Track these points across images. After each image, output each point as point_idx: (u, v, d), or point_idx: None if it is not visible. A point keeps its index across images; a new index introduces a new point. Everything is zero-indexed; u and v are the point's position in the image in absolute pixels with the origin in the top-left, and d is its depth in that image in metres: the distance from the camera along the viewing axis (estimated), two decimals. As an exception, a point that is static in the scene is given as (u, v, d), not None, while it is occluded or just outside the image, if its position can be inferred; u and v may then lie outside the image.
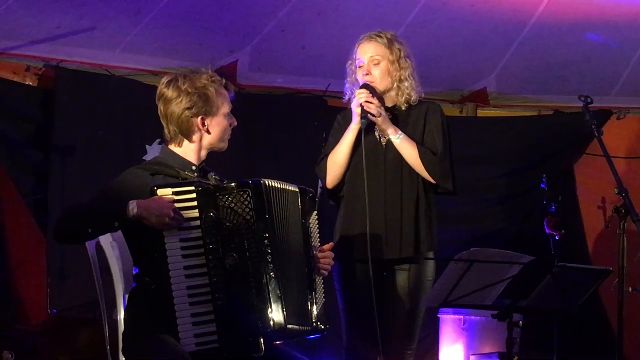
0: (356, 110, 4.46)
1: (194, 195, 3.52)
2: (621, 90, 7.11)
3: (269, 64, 6.97)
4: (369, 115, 4.43)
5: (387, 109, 4.54)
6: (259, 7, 6.46)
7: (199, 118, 3.74)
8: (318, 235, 3.84)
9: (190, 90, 3.72)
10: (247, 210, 3.54)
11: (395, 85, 4.55)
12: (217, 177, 3.83)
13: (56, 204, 6.21)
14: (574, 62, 6.96)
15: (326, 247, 3.89)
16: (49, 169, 6.30)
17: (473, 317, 6.03)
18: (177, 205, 3.49)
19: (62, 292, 6.20)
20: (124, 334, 3.74)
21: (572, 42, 6.82)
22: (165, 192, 3.51)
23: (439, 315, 6.23)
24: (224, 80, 3.81)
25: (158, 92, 3.79)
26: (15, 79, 6.36)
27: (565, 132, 7.22)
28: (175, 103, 3.73)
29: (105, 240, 3.94)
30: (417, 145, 4.50)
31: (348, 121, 4.57)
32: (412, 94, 4.55)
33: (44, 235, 6.21)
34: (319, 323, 3.69)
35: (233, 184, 3.58)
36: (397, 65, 4.55)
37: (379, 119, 4.46)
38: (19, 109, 6.34)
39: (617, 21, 6.53)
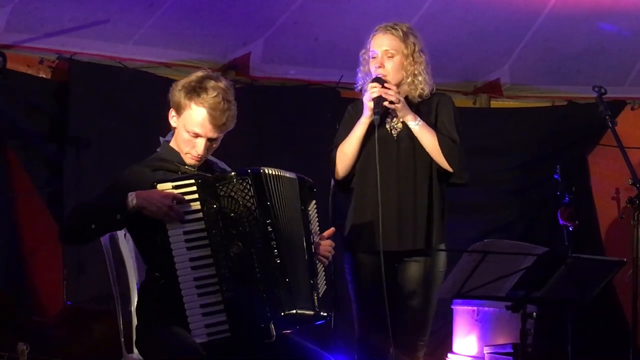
0: (368, 104, 4.44)
1: (194, 188, 3.55)
2: (635, 80, 7.09)
3: (282, 55, 6.97)
4: (387, 102, 4.41)
5: None
6: (271, -1, 6.48)
7: (171, 109, 3.79)
8: (317, 223, 3.85)
9: (183, 84, 3.75)
10: (248, 197, 3.56)
11: (409, 80, 4.53)
12: (218, 170, 3.85)
13: (71, 196, 6.23)
14: (587, 52, 6.94)
15: (326, 233, 3.89)
16: (63, 160, 6.32)
17: (486, 308, 6.03)
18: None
19: (78, 284, 6.23)
20: (137, 327, 3.76)
21: (585, 32, 6.80)
22: (165, 187, 3.54)
23: (452, 307, 6.23)
24: (208, 103, 3.69)
25: None
26: (29, 72, 6.38)
27: (578, 122, 7.20)
28: None
29: (119, 233, 3.95)
30: (436, 132, 4.49)
31: (359, 112, 4.56)
32: (425, 87, 4.54)
33: (58, 227, 6.23)
34: (321, 309, 3.70)
35: (232, 173, 3.61)
36: (411, 59, 4.53)
37: (398, 105, 4.44)
38: (33, 101, 6.36)
39: (630, 10, 6.51)
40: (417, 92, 4.53)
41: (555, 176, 6.37)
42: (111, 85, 6.53)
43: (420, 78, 4.53)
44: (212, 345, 3.47)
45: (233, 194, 3.56)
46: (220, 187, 3.56)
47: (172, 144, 3.84)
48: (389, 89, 4.42)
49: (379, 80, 4.45)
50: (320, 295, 3.72)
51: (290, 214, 3.68)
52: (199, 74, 3.77)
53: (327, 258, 3.85)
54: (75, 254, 6.19)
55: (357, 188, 4.57)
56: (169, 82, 3.87)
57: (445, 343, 6.49)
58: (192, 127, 3.71)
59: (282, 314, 3.53)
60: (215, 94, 3.69)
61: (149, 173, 3.71)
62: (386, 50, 4.51)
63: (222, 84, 3.74)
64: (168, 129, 6.30)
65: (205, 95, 3.69)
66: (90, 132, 6.40)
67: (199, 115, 3.70)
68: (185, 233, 3.51)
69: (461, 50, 6.94)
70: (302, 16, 6.60)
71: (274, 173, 3.65)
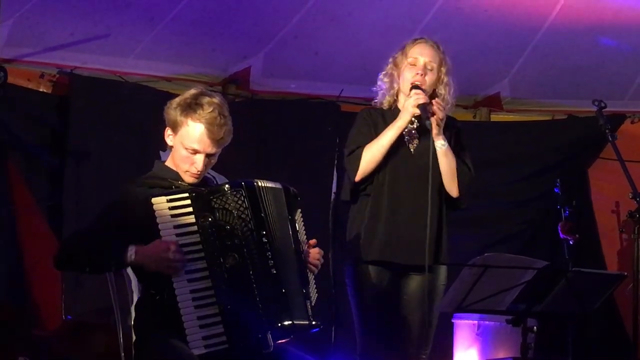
0: (411, 109, 4.39)
1: (188, 202, 3.56)
2: (635, 94, 7.10)
3: (282, 69, 6.98)
4: (431, 116, 4.38)
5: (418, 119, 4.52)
6: (272, 13, 6.47)
7: (167, 128, 3.78)
8: (304, 231, 3.85)
9: (178, 102, 3.76)
10: (242, 209, 3.58)
11: (439, 98, 4.52)
12: (212, 176, 3.87)
13: (70, 209, 6.23)
14: (587, 66, 6.95)
15: (311, 242, 3.88)
16: (64, 174, 6.32)
17: (487, 322, 6.02)
18: (173, 212, 3.54)
19: (77, 297, 6.21)
20: (134, 342, 3.76)
21: (585, 47, 6.81)
22: (160, 201, 3.54)
23: (453, 320, 6.22)
24: (205, 118, 3.69)
25: None
26: (30, 86, 6.38)
27: (578, 136, 7.20)
28: None
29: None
30: (456, 158, 4.50)
31: (376, 119, 4.53)
32: (448, 111, 4.53)
33: (58, 241, 6.23)
34: (314, 318, 3.70)
35: (226, 186, 3.62)
36: (446, 78, 4.54)
37: (440, 121, 4.43)
38: (34, 115, 6.36)
39: (630, 25, 6.52)
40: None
41: (556, 190, 6.37)
42: (111, 99, 6.53)
43: (447, 98, 4.53)
44: (210, 356, 3.46)
45: (227, 206, 3.58)
46: (215, 199, 3.58)
47: (167, 163, 3.84)
48: (442, 104, 4.41)
49: (420, 88, 4.43)
50: (312, 304, 3.73)
51: (280, 224, 3.69)
52: (193, 91, 3.78)
53: (316, 266, 3.85)
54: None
55: (373, 197, 4.53)
56: (169, 96, 3.88)
57: (446, 357, 6.47)
58: (190, 143, 3.71)
59: (279, 324, 3.54)
60: (211, 109, 3.69)
61: (144, 191, 3.69)
62: (429, 61, 4.50)
63: (217, 99, 3.75)
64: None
65: (201, 111, 3.69)
66: (91, 145, 6.40)
67: (197, 131, 3.70)
68: (181, 246, 3.52)
69: (461, 64, 6.88)
70: (303, 30, 6.61)
71: (264, 185, 3.67)
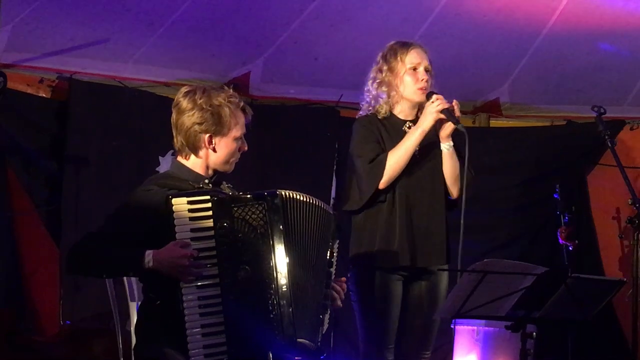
0: (437, 115, 4.40)
1: (208, 205, 3.49)
2: (634, 100, 7.10)
3: (281, 75, 6.98)
4: (450, 120, 4.42)
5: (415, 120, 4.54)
6: (271, 18, 6.48)
7: (207, 135, 3.70)
8: (336, 263, 3.80)
9: (204, 106, 3.68)
10: (262, 222, 3.52)
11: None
12: (230, 185, 3.82)
13: (69, 214, 6.23)
14: (586, 72, 6.95)
15: (342, 279, 3.86)
16: (63, 179, 6.32)
17: (486, 328, 6.01)
18: (191, 214, 3.47)
19: (76, 303, 6.21)
20: (134, 347, 3.73)
21: (584, 52, 6.81)
22: (180, 202, 3.47)
23: (452, 326, 6.20)
24: (242, 103, 3.77)
25: (175, 99, 3.76)
26: (29, 91, 6.37)
27: (578, 142, 7.21)
28: (187, 115, 3.69)
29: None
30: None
31: (378, 125, 4.52)
32: None
33: (56, 246, 6.22)
34: (322, 345, 3.66)
35: (249, 195, 3.55)
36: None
37: (453, 125, 4.44)
38: (33, 120, 6.36)
39: (629, 30, 6.52)
40: None
41: (555, 195, 6.38)
42: (111, 105, 6.53)
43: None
44: None
45: (247, 217, 3.51)
46: (235, 208, 3.51)
47: (183, 161, 3.76)
48: (458, 104, 4.44)
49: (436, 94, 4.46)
50: (323, 332, 3.69)
51: (311, 244, 3.63)
52: (210, 95, 3.72)
53: (334, 299, 3.80)
54: (74, 273, 6.18)
55: (388, 203, 4.50)
56: (168, 101, 3.86)
57: (445, 362, 6.47)
58: (241, 130, 3.75)
59: (281, 341, 3.49)
60: (235, 96, 3.76)
61: (164, 193, 3.57)
62: (427, 64, 4.53)
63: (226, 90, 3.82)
64: (167, 148, 6.35)
65: (238, 104, 3.75)
66: (90, 151, 6.40)
67: (242, 117, 3.76)
68: (195, 250, 3.46)
69: (460, 69, 6.95)
70: (302, 36, 6.61)
71: (298, 198, 3.62)
